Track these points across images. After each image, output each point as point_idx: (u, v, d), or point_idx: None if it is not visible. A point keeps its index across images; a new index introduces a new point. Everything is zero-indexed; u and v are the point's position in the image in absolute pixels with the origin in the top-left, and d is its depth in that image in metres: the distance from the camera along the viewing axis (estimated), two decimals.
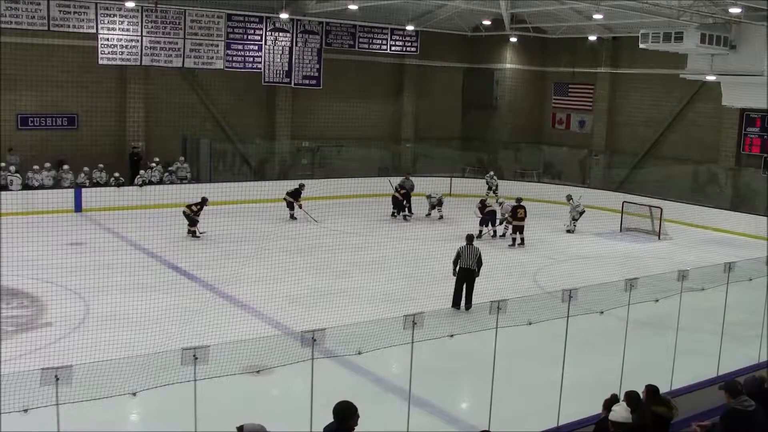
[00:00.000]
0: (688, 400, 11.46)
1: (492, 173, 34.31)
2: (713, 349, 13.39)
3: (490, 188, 33.29)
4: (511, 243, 25.11)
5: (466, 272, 17.58)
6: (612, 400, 9.35)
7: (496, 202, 27.64)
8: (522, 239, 25.11)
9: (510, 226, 25.93)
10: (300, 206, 27.74)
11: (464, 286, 17.57)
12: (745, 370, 12.62)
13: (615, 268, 21.81)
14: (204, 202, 24.47)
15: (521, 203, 25.48)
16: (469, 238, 18.17)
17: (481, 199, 27.46)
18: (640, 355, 13.43)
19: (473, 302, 17.22)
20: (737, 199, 31.74)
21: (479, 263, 17.68)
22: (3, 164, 27.09)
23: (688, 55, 27.16)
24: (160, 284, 18.55)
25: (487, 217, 26.15)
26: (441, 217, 29.16)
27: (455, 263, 17.74)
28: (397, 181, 30.34)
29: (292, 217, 27.84)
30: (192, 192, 26.18)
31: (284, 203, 28.03)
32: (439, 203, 29.46)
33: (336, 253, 22.69)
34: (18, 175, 26.73)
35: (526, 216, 25.21)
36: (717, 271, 13.66)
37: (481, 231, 25.48)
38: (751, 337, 14.62)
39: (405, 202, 29.41)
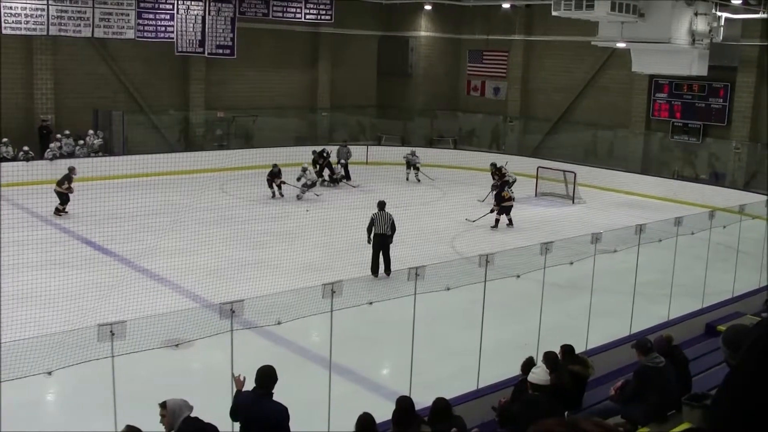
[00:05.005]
0: (602, 358, 11.80)
1: (414, 151, 32.12)
2: (626, 309, 13.77)
3: (410, 166, 31.33)
4: (494, 225, 23.87)
5: (382, 238, 17.81)
6: (529, 363, 9.57)
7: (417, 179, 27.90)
8: (510, 220, 24.03)
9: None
10: (284, 182, 27.12)
11: (380, 251, 17.73)
12: (656, 328, 13.06)
13: (531, 233, 22.16)
14: (71, 172, 23.71)
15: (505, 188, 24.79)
16: (381, 205, 18.29)
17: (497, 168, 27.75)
18: (556, 317, 13.73)
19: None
20: (647, 163, 32.59)
21: (393, 228, 17.88)
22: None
23: (599, 22, 27.58)
24: (73, 260, 18.16)
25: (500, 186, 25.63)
26: (298, 198, 27.07)
27: (369, 230, 17.90)
28: (333, 150, 30.80)
29: (274, 195, 27.12)
30: (105, 165, 25.61)
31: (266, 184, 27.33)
32: (312, 184, 27.84)
33: (252, 223, 22.54)
34: None
35: (513, 198, 24.35)
36: (629, 234, 14.05)
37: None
38: (660, 296, 15.08)
39: (344, 171, 30.12)
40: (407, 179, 30.77)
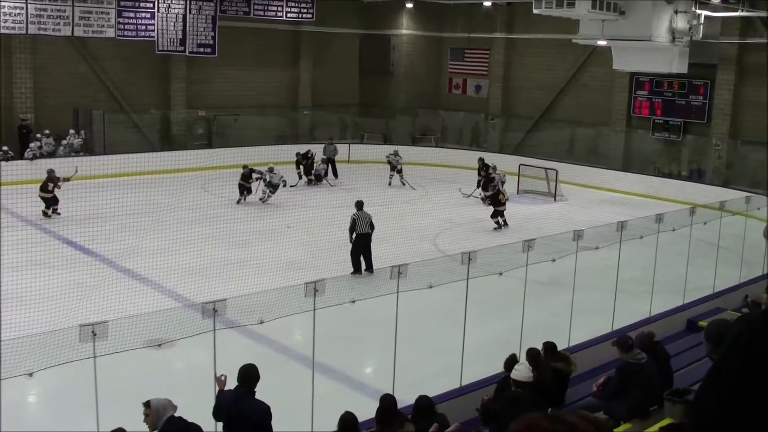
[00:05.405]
0: (585, 355, 11.84)
1: (396, 150, 30.74)
2: (608, 306, 13.83)
3: (393, 168, 30.27)
4: (496, 227, 23.57)
5: (364, 237, 17.92)
6: (512, 360, 9.59)
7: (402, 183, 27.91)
8: (505, 221, 23.74)
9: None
10: (257, 178, 26.35)
11: (362, 251, 17.85)
12: (638, 325, 13.12)
13: (513, 230, 22.23)
14: (50, 173, 23.45)
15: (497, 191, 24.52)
16: (359, 204, 18.33)
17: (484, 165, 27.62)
18: (539, 314, 13.76)
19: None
20: (628, 160, 32.76)
21: (371, 227, 18.02)
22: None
23: (580, 20, 27.67)
24: (54, 260, 18.05)
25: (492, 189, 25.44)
26: (262, 200, 26.23)
27: (352, 231, 17.94)
28: (318, 149, 30.83)
29: (239, 201, 26.18)
30: (86, 165, 25.43)
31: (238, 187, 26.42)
32: (275, 185, 26.53)
33: (234, 222, 22.49)
34: None
35: (507, 199, 24.31)
36: (610, 230, 14.10)
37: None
38: (642, 292, 15.15)
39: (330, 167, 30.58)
40: (390, 184, 29.70)
